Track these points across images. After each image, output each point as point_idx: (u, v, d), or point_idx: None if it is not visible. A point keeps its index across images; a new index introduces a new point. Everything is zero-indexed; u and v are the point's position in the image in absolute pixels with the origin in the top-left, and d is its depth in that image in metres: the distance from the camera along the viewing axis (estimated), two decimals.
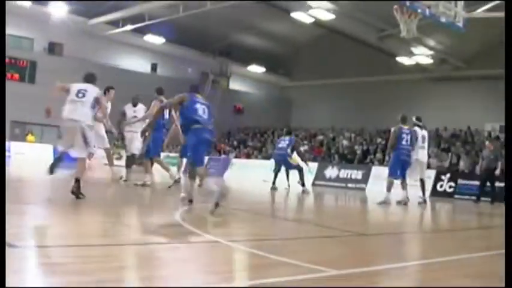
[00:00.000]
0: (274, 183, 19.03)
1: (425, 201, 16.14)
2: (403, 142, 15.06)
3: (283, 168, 19.35)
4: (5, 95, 7.82)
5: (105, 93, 13.56)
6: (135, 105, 15.62)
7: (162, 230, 6.79)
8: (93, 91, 10.82)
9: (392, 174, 15.15)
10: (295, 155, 19.29)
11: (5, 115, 7.69)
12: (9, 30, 41.00)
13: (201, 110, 9.58)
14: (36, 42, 42.76)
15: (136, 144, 15.51)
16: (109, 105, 14.40)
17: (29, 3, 37.00)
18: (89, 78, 11.58)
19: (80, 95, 10.68)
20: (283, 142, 19.18)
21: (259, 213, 10.56)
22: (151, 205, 10.48)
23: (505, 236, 4.79)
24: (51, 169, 10.37)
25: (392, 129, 15.40)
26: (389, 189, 14.88)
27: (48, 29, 40.54)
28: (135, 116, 15.25)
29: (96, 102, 10.64)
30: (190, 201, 9.76)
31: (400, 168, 15.20)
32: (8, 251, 4.31)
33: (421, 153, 16.18)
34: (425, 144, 16.43)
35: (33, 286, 3.43)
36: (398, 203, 15.00)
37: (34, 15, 39.06)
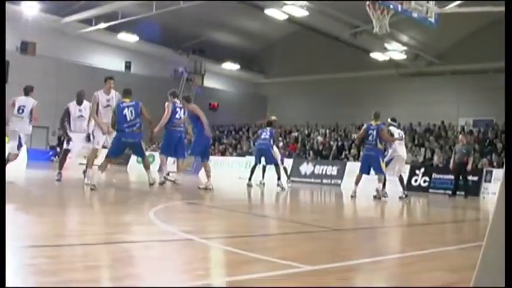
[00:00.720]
0: (250, 179, 18.99)
1: (406, 195, 16.32)
2: (369, 138, 15.52)
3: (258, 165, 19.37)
4: (4, 95, 7.75)
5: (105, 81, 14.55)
6: (80, 103, 14.94)
7: (135, 228, 6.76)
8: (29, 104, 14.73)
9: (360, 171, 16.05)
10: (275, 149, 19.34)
11: (4, 115, 7.64)
12: None
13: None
14: (8, 42, 42.34)
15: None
16: (113, 94, 14.23)
17: None
18: (27, 91, 15.27)
19: (20, 111, 14.58)
20: (265, 133, 19.08)
21: (234, 210, 10.54)
22: (126, 204, 10.41)
23: (505, 235, 4.83)
24: None
25: (364, 125, 15.96)
26: (356, 182, 15.85)
27: (20, 28, 40.15)
28: (82, 116, 14.73)
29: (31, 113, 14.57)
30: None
31: (366, 165, 15.86)
32: None
33: (401, 150, 16.49)
34: (403, 142, 16.81)
35: (33, 286, 3.39)
36: (374, 197, 15.14)
37: (6, 14, 38.65)
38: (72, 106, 14.81)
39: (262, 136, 19.11)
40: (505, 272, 3.94)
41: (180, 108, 15.15)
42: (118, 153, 13.34)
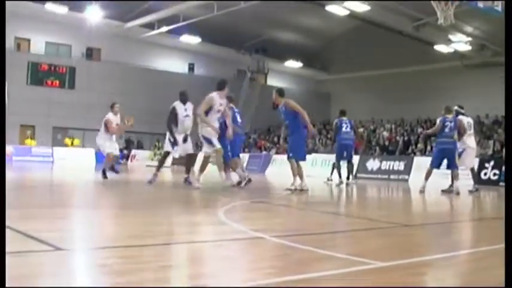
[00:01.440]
0: (340, 176, 18.67)
1: (477, 189, 15.92)
2: (446, 130, 15.03)
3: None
4: (5, 95, 7.92)
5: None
6: (185, 102, 14.90)
7: (206, 227, 6.81)
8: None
9: (432, 165, 15.48)
10: None
11: (4, 115, 7.78)
12: (47, 38, 41.65)
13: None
14: (74, 48, 43.33)
15: None
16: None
17: (66, 9, 37.44)
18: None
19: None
20: (346, 125, 18.40)
21: (302, 208, 10.53)
22: (195, 204, 10.50)
23: (505, 236, 4.72)
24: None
25: (438, 120, 15.41)
26: (426, 177, 15.40)
27: (85, 35, 41.06)
28: (188, 115, 14.84)
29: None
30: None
31: (440, 160, 15.34)
32: (54, 254, 4.37)
33: (470, 141, 16.00)
34: (472, 131, 16.21)
35: (38, 287, 3.45)
36: (444, 191, 14.94)
37: (71, 21, 39.56)
38: (178, 106, 14.76)
39: (344, 129, 18.36)
40: (505, 272, 3.86)
41: (238, 113, 15.18)
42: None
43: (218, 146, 13.30)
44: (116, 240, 5.41)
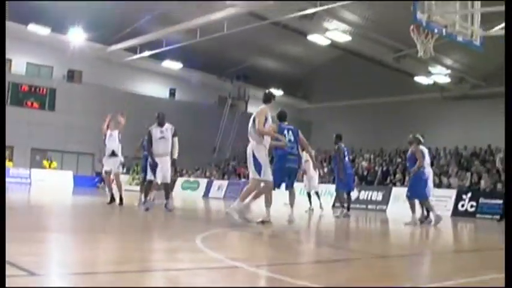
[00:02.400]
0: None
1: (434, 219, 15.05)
2: (426, 159, 15.27)
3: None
4: (5, 97, 7.88)
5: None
6: (161, 125, 14.75)
7: (182, 255, 6.78)
8: None
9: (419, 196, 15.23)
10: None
11: (5, 118, 7.76)
12: (28, 59, 41.50)
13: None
14: (55, 70, 43.20)
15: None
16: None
17: (48, 31, 37.41)
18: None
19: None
20: (347, 152, 18.00)
21: (281, 236, 10.52)
22: (172, 231, 10.45)
23: (505, 236, 4.76)
24: None
25: (418, 149, 15.38)
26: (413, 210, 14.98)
27: (67, 57, 40.98)
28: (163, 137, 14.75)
29: None
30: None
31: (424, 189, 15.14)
32: (28, 279, 4.33)
33: (430, 171, 16.08)
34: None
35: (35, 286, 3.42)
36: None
37: (53, 43, 39.52)
38: (154, 129, 14.65)
39: (347, 157, 17.79)
40: (505, 272, 3.90)
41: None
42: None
43: (269, 178, 11.43)
44: (91, 266, 5.37)
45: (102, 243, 7.42)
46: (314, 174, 20.27)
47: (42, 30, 37.52)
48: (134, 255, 6.29)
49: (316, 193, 20.74)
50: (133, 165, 41.89)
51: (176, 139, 14.75)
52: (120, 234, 8.89)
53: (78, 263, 5.54)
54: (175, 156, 14.79)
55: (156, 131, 14.44)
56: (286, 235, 10.85)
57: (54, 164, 40.13)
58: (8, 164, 37.22)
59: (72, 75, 43.34)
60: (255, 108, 41.74)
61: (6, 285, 3.96)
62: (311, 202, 20.14)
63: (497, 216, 20.20)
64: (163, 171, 14.41)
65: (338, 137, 17.83)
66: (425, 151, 15.78)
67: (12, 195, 21.22)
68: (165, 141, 14.51)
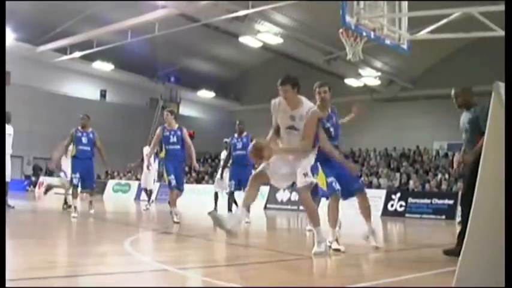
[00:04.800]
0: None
1: None
2: None
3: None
4: (5, 95, 7.70)
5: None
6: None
7: (111, 258, 6.72)
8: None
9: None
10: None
11: (5, 116, 7.63)
12: None
13: None
14: None
15: None
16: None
17: None
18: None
19: None
20: None
21: (209, 239, 10.52)
22: (101, 234, 10.34)
23: (505, 237, 4.87)
24: None
25: None
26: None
27: None
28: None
29: None
30: None
31: None
32: None
33: None
34: None
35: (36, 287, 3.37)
36: None
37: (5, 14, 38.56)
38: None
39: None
40: (505, 272, 4.01)
41: None
42: None
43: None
44: (16, 272, 5.27)
45: (26, 248, 7.28)
46: None
47: None
48: (61, 260, 6.21)
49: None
50: None
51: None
52: (48, 239, 8.75)
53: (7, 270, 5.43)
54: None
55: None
56: (214, 238, 10.86)
57: None
58: None
59: None
60: (187, 110, 41.43)
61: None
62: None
63: (426, 216, 20.66)
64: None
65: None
66: None
67: None
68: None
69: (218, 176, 18.87)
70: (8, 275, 5.06)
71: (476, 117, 7.65)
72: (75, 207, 13.20)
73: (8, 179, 14.98)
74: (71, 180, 13.92)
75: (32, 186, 40.38)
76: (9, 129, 15.34)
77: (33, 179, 41.42)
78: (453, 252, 7.20)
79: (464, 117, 8.00)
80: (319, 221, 7.20)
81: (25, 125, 41.04)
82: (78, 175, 13.66)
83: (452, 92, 8.18)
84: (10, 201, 15.78)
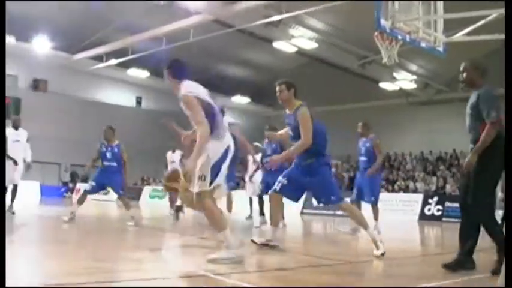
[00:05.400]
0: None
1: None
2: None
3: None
4: (5, 95, 7.83)
5: None
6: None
7: (148, 265, 6.74)
8: None
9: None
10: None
11: (5, 116, 7.80)
12: None
13: None
14: (20, 79, 42.77)
15: None
16: None
17: (13, 39, 37.05)
18: None
19: None
20: None
21: (244, 244, 10.52)
22: (138, 240, 10.39)
23: (505, 237, 4.82)
24: None
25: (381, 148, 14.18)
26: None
27: (32, 66, 40.67)
28: None
29: None
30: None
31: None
32: None
33: None
34: None
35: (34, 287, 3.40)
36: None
37: (18, 52, 39.10)
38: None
39: None
40: (505, 272, 3.95)
41: None
42: None
43: None
44: (53, 277, 5.31)
45: (65, 255, 7.34)
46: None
47: (7, 39, 37.15)
48: (99, 265, 6.25)
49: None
50: None
51: None
52: (87, 245, 8.83)
53: (42, 275, 5.49)
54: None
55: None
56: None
57: None
58: None
59: (37, 85, 42.99)
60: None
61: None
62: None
63: None
64: None
65: None
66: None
67: None
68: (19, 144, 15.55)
69: (247, 179, 18.81)
70: (45, 281, 5.11)
71: (477, 100, 6.88)
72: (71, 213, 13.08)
73: (15, 182, 15.14)
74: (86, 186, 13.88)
75: (69, 193, 40.80)
76: (20, 135, 15.47)
77: (70, 185, 41.85)
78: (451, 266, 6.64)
79: (470, 99, 7.23)
80: (224, 225, 6.81)
81: (62, 132, 41.56)
82: (94, 183, 13.50)
83: (462, 65, 7.41)
84: (45, 207, 15.95)
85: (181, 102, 7.36)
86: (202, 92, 7.14)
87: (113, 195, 16.28)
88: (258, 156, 17.01)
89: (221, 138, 6.82)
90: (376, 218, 12.80)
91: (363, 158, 13.36)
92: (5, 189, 6.31)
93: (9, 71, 41.45)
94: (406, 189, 26.06)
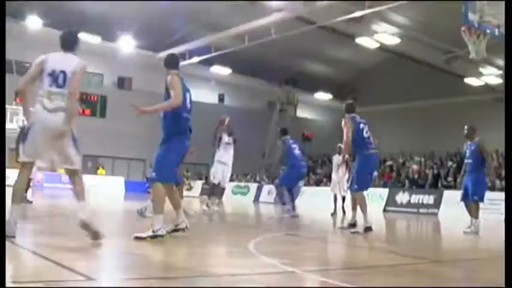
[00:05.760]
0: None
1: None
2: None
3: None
4: (5, 94, 7.95)
5: None
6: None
7: (235, 260, 6.78)
8: None
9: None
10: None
11: (5, 118, 7.94)
12: None
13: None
14: (106, 77, 43.76)
15: None
16: None
17: (99, 39, 37.91)
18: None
19: None
20: (295, 146, 16.01)
21: (331, 241, 10.48)
22: (224, 235, 10.47)
23: (505, 237, 4.66)
24: None
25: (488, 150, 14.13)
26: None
27: (117, 64, 41.53)
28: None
29: None
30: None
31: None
32: (87, 284, 4.39)
33: None
34: None
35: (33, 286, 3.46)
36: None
37: (103, 51, 40.02)
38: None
39: (297, 151, 15.76)
40: (505, 272, 3.82)
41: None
42: None
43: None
44: (135, 271, 5.38)
45: (153, 248, 7.42)
46: None
47: (93, 39, 38.00)
48: (183, 260, 6.32)
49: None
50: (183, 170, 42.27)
51: None
52: (172, 238, 8.93)
53: (135, 268, 5.58)
54: None
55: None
56: (336, 239, 10.79)
57: (102, 171, 40.66)
58: (61, 170, 37.77)
59: (122, 83, 43.90)
60: (304, 112, 41.65)
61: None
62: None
63: None
64: None
65: (283, 132, 16.24)
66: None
67: (64, 200, 21.52)
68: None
69: (334, 177, 19.41)
70: (126, 274, 5.19)
71: None
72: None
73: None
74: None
75: None
76: None
77: None
78: None
79: None
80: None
81: (146, 130, 42.21)
82: None
83: None
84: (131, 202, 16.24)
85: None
86: None
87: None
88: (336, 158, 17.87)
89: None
90: (472, 215, 12.79)
91: (468, 161, 13.10)
92: (5, 188, 6.46)
93: (95, 69, 42.52)
94: (492, 188, 25.40)
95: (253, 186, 35.70)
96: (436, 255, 8.84)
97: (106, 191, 34.89)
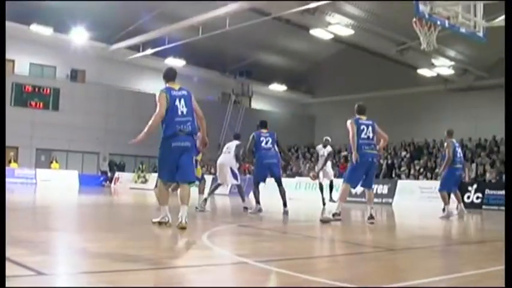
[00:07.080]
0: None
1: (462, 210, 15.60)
2: (458, 156, 15.47)
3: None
4: (4, 94, 7.87)
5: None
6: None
7: (189, 252, 6.77)
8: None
9: (448, 188, 15.51)
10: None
11: (5, 118, 7.78)
12: (31, 59, 41.49)
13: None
14: (58, 70, 43.22)
15: None
16: None
17: (50, 31, 37.41)
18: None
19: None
20: (266, 139, 15.99)
21: (286, 231, 10.52)
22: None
23: (505, 237, 4.75)
24: None
25: (447, 144, 15.57)
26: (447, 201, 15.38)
27: (70, 56, 41.06)
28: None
29: None
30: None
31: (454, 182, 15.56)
32: (36, 279, 4.33)
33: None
34: None
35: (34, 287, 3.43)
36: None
37: (56, 43, 39.55)
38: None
39: (264, 144, 15.79)
40: (505, 272, 3.89)
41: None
42: None
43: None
44: (97, 265, 5.34)
45: (109, 241, 7.38)
46: None
47: (45, 31, 37.50)
48: (140, 253, 6.29)
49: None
50: (138, 163, 42.00)
51: None
52: (124, 232, 8.88)
53: (85, 262, 5.53)
54: None
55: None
56: (289, 230, 10.84)
57: (56, 165, 40.21)
58: (12, 164, 37.29)
59: (75, 75, 43.46)
60: (259, 104, 41.72)
61: (12, 285, 3.96)
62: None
63: (503, 207, 20.18)
64: None
65: (261, 124, 16.23)
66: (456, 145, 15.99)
67: (17, 195, 21.25)
68: None
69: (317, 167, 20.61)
70: (88, 267, 5.15)
71: None
72: None
73: None
74: None
75: (108, 182, 41.23)
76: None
77: (109, 174, 42.29)
78: None
79: None
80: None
81: (100, 122, 41.97)
82: None
83: None
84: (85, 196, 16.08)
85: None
86: None
87: None
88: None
89: None
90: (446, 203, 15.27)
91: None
92: (5, 188, 6.34)
93: (48, 61, 41.96)
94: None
95: (208, 179, 35.55)
96: (389, 243, 8.92)
97: (60, 185, 34.51)
